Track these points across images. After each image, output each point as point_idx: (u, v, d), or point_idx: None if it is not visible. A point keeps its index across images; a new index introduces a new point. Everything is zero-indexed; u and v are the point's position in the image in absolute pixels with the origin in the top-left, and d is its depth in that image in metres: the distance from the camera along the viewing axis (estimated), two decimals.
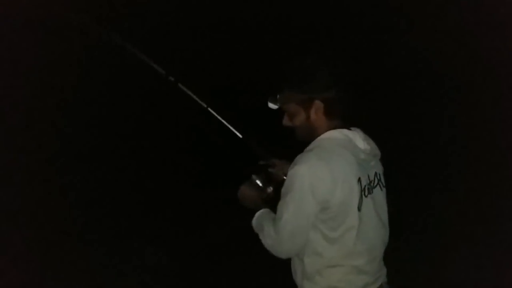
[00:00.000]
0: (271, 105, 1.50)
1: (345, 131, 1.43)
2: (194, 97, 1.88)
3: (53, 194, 3.39)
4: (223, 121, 1.92)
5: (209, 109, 1.91)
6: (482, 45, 3.23)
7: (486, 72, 3.31)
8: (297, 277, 1.49)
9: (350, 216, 1.35)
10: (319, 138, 1.43)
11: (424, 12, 3.46)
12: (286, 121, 1.50)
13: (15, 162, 3.23)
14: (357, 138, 1.43)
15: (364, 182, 1.38)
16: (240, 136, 1.94)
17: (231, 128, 1.94)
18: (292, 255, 1.45)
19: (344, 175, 1.32)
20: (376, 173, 1.47)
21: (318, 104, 1.40)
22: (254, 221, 1.55)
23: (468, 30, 3.24)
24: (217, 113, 1.90)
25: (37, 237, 3.07)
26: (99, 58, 3.50)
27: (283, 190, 1.41)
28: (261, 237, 1.48)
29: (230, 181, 1.83)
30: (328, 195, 1.31)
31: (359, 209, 1.35)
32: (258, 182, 1.77)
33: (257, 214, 1.54)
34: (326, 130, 1.43)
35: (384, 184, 1.51)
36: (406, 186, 3.41)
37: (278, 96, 1.48)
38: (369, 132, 1.55)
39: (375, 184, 1.45)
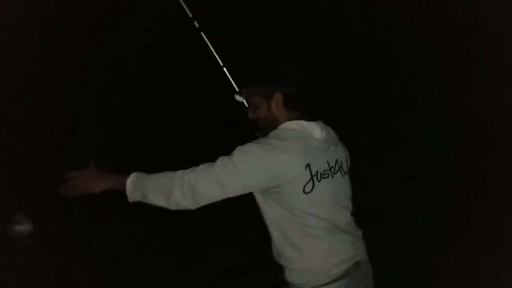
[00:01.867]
0: (238, 98, 1.70)
1: (302, 122, 1.53)
2: (213, 51, 2.02)
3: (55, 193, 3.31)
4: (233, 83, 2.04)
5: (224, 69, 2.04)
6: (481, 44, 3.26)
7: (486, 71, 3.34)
8: (275, 257, 1.59)
9: (296, 198, 1.45)
10: (277, 128, 1.54)
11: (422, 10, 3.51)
12: (250, 114, 1.63)
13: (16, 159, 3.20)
14: (314, 128, 1.53)
15: (316, 168, 1.46)
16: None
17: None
18: (196, 205, 1.43)
19: (290, 162, 1.41)
20: (337, 160, 1.57)
21: (278, 96, 1.53)
22: (131, 183, 1.46)
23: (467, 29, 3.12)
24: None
25: (38, 237, 3.12)
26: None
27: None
28: (156, 190, 1.44)
29: None
30: (270, 176, 1.41)
31: (305, 191, 1.44)
32: None
33: (133, 174, 1.47)
34: (286, 122, 1.55)
35: (345, 171, 1.61)
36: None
37: (243, 90, 1.65)
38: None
39: (335, 170, 1.55)
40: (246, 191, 1.47)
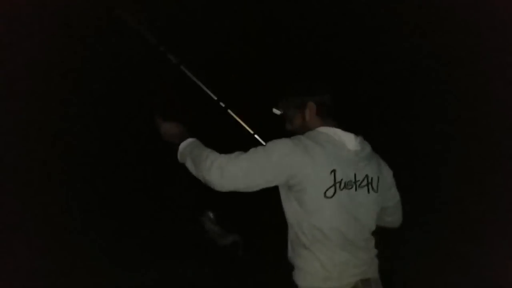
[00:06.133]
0: (275, 111, 1.74)
1: (338, 130, 1.55)
2: (208, 91, 1.92)
3: (54, 195, 3.32)
4: (236, 118, 1.98)
5: (221, 102, 1.95)
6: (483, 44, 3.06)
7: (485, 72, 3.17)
8: (289, 254, 1.60)
9: (315, 200, 1.46)
10: (314, 130, 1.57)
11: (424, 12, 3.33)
12: (287, 126, 1.69)
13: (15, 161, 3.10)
14: (350, 139, 1.54)
15: (341, 176, 1.47)
16: (252, 132, 2.01)
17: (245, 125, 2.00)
18: (221, 186, 1.48)
19: (316, 162, 1.44)
20: (367, 176, 1.55)
21: (311, 105, 1.60)
22: (183, 146, 1.61)
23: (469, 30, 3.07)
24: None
25: (37, 239, 3.06)
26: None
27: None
28: (193, 158, 1.55)
29: None
30: (292, 172, 1.44)
31: (326, 196, 1.45)
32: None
33: (189, 140, 1.63)
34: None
35: (375, 189, 1.58)
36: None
37: (279, 103, 1.71)
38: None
39: (362, 185, 1.54)
40: (270, 184, 1.48)
